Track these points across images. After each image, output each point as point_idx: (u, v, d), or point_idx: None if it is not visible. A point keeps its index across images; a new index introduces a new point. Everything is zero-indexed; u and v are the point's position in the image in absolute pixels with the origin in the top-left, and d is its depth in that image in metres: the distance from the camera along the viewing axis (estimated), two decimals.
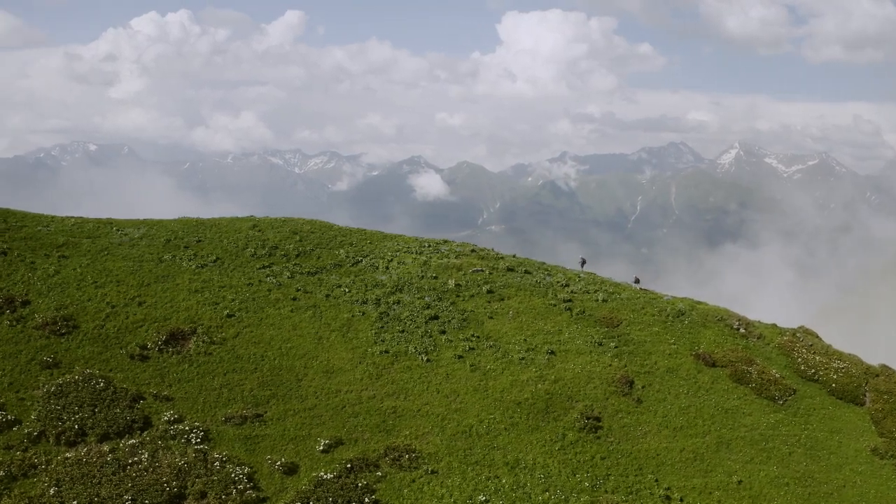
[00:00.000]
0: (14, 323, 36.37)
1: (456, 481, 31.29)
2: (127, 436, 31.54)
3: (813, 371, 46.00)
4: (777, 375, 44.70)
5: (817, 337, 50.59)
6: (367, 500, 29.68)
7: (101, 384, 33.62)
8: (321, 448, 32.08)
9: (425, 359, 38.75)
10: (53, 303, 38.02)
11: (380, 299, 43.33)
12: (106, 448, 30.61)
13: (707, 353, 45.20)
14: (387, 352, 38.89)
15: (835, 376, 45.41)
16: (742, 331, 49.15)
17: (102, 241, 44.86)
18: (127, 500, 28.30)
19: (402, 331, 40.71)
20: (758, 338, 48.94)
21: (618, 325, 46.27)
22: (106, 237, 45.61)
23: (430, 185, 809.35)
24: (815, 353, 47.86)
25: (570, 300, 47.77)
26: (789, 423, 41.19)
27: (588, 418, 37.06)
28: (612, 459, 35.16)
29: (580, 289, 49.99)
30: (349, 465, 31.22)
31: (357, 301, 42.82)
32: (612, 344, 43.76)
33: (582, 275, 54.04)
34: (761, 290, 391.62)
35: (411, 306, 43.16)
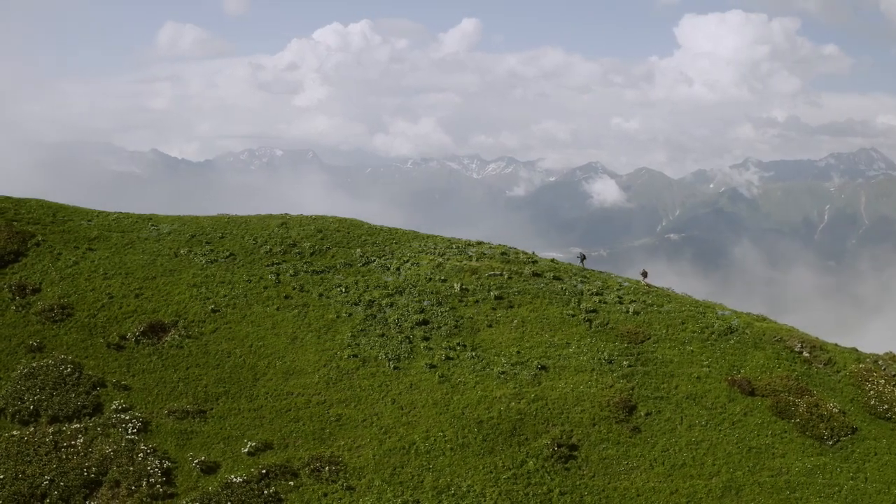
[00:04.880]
0: (19, 308, 38.83)
1: (369, 501, 28.73)
2: (75, 420, 32.44)
3: (886, 407, 37.81)
4: (835, 410, 37.17)
5: None
6: None
7: (69, 369, 34.83)
8: (246, 450, 30.93)
9: (393, 366, 36.32)
10: (60, 291, 40.23)
11: (374, 301, 41.46)
12: (50, 430, 31.65)
13: (746, 379, 38.59)
14: (356, 356, 36.94)
15: None
16: (805, 354, 41.59)
17: (132, 236, 46.99)
18: (46, 480, 29.01)
19: (382, 335, 38.55)
20: (825, 364, 41.15)
21: (643, 341, 40.86)
22: (136, 232, 47.76)
23: (606, 192, 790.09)
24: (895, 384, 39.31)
25: (594, 310, 42.96)
26: (833, 469, 33.94)
27: (560, 445, 32.68)
28: (575, 496, 30.67)
29: (613, 298, 44.84)
30: (265, 471, 29.78)
31: (349, 302, 41.27)
32: (626, 362, 38.60)
33: (625, 283, 48.56)
34: None
35: (404, 309, 40.84)
